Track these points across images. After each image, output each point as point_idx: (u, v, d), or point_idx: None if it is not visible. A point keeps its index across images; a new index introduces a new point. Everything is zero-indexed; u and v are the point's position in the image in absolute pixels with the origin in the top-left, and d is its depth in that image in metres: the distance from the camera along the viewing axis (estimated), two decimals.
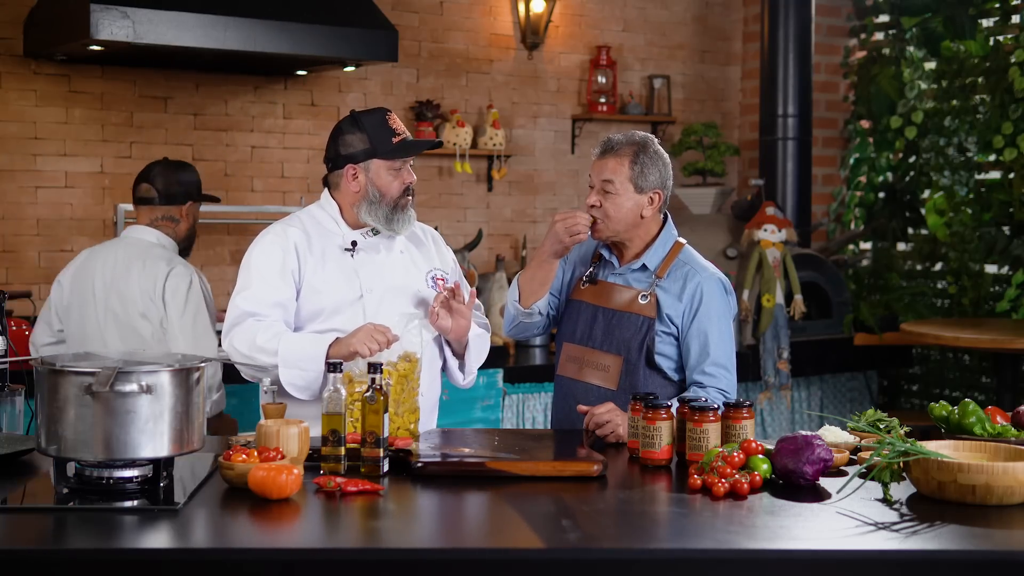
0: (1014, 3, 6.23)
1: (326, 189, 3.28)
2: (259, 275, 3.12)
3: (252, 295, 3.10)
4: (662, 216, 3.26)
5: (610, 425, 3.00)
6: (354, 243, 3.19)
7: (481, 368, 3.41)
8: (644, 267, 3.20)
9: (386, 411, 2.62)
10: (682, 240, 3.27)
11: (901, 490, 2.52)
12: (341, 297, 3.14)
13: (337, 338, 3.02)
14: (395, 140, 3.16)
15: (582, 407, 3.06)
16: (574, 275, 3.34)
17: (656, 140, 3.26)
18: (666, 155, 3.24)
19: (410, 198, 3.20)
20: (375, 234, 3.22)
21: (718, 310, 3.16)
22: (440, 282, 3.27)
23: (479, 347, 3.29)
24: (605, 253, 3.27)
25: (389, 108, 3.28)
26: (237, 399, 4.19)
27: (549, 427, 3.64)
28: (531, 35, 6.41)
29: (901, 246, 6.89)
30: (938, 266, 6.62)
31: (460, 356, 3.26)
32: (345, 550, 2.19)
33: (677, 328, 3.15)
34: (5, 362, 2.94)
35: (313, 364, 2.99)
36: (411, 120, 6.13)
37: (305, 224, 3.21)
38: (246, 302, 3.10)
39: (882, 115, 6.67)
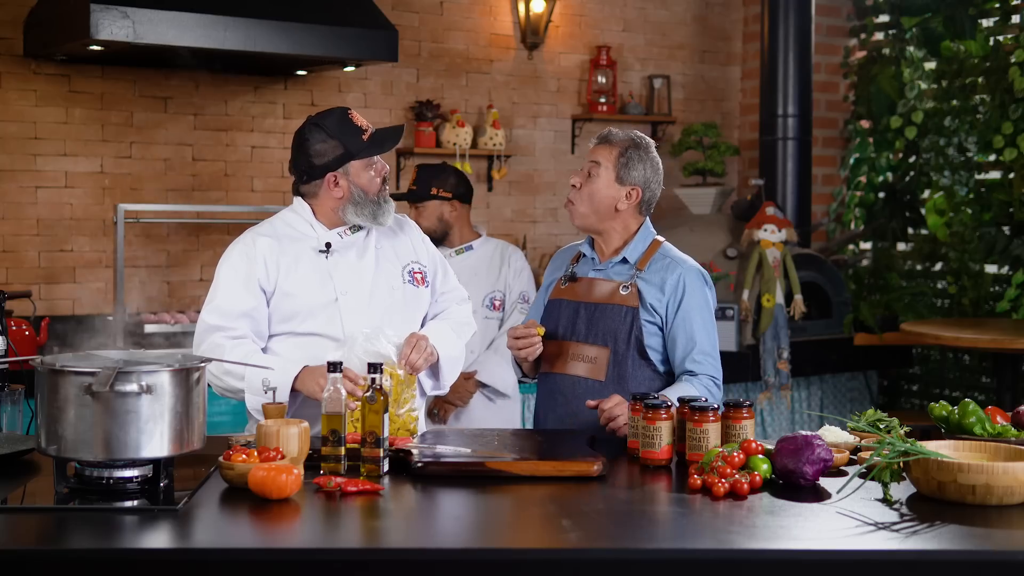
0: (1014, 3, 6.23)
1: (298, 197, 3.21)
2: (224, 287, 3.10)
3: (216, 307, 3.08)
4: (643, 216, 3.30)
5: (622, 418, 2.99)
6: (328, 245, 3.16)
7: None
8: (624, 260, 3.24)
9: (386, 411, 2.62)
10: (660, 238, 3.32)
11: (901, 490, 2.52)
12: (315, 300, 3.10)
13: (306, 367, 2.99)
14: (365, 137, 3.13)
15: (591, 402, 3.06)
16: (551, 288, 3.35)
17: (654, 145, 3.30)
18: (658, 161, 3.28)
19: (387, 188, 3.19)
20: (352, 232, 3.19)
21: (701, 299, 3.20)
22: (417, 276, 3.25)
23: (451, 368, 3.26)
24: (587, 251, 3.30)
25: (348, 106, 3.23)
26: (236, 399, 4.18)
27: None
28: (531, 35, 6.41)
29: (901, 246, 6.89)
30: (938, 266, 6.62)
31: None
32: (345, 550, 2.19)
33: (661, 318, 3.19)
34: (5, 362, 2.94)
35: (278, 394, 2.96)
36: (411, 120, 6.14)
37: (277, 229, 3.17)
38: (211, 315, 3.08)
39: (882, 115, 6.67)
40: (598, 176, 3.20)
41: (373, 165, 3.15)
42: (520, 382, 3.85)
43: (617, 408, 3.00)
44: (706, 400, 2.84)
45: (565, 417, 3.18)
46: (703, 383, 3.13)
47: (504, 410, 4.28)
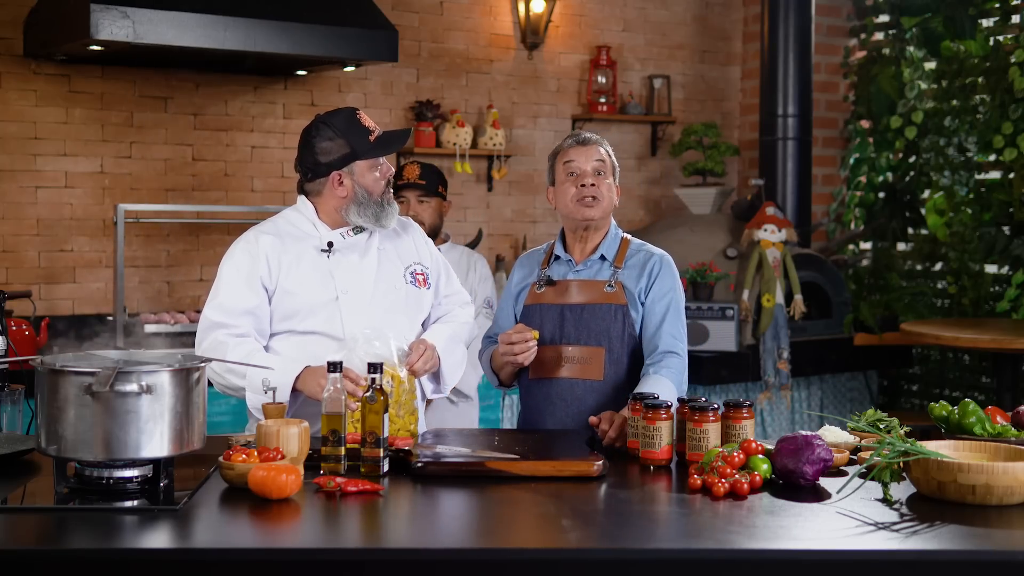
0: (1014, 3, 6.23)
1: (301, 195, 3.22)
2: (227, 285, 3.11)
3: (219, 304, 3.09)
4: None
5: (612, 432, 2.98)
6: (330, 244, 3.16)
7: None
8: (602, 257, 3.27)
9: (386, 411, 2.62)
10: (627, 235, 3.38)
11: (901, 490, 2.52)
12: (315, 299, 3.11)
13: (307, 367, 2.99)
14: (372, 138, 3.13)
15: (593, 418, 3.04)
16: (522, 294, 3.35)
17: None
18: None
19: (391, 190, 3.20)
20: (355, 233, 3.19)
21: (672, 283, 3.27)
22: (419, 277, 3.26)
23: (453, 372, 3.27)
24: (560, 253, 3.30)
25: (356, 107, 3.25)
26: (236, 398, 4.19)
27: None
28: (531, 35, 6.41)
29: (901, 246, 6.89)
30: (938, 266, 6.62)
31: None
32: (345, 550, 2.19)
33: (643, 305, 3.23)
34: (5, 362, 2.94)
35: (279, 394, 2.96)
36: (411, 120, 6.14)
37: (279, 228, 3.18)
38: (214, 312, 3.09)
39: (882, 115, 6.67)
40: (607, 173, 3.27)
41: (378, 167, 3.16)
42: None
43: (614, 429, 2.99)
44: (705, 400, 2.84)
45: (567, 419, 3.18)
46: (673, 366, 3.15)
47: (465, 411, 4.31)
